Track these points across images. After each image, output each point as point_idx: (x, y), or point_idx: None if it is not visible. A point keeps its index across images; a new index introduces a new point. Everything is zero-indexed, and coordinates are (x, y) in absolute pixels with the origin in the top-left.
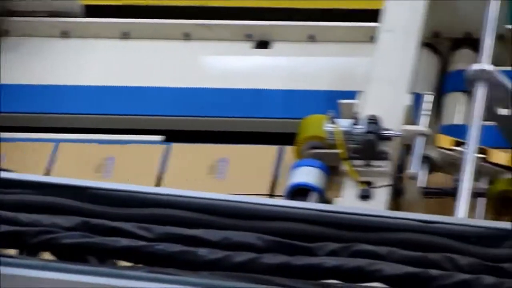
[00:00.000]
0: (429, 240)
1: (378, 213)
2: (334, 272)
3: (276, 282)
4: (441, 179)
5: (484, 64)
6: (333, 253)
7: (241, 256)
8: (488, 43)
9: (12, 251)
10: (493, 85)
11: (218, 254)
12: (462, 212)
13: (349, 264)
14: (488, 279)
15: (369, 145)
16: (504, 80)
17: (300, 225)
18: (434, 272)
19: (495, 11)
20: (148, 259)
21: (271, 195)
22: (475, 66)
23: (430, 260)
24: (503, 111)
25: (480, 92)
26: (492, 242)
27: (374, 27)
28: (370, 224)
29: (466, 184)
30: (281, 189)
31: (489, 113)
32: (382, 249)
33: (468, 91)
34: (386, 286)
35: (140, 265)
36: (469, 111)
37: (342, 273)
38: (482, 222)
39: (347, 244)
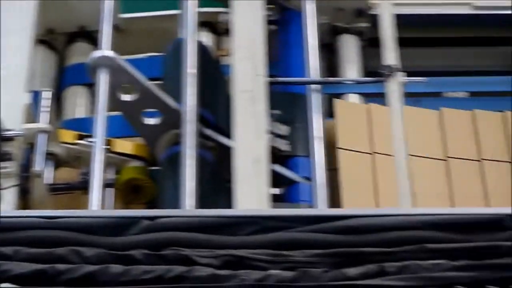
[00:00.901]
0: (54, 235)
1: (5, 213)
2: None
3: None
4: (69, 174)
5: (105, 50)
6: None
7: None
8: (106, 30)
9: None
10: (115, 71)
11: None
12: (95, 204)
13: None
14: (115, 268)
15: None
16: (126, 65)
17: None
18: (61, 266)
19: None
20: None
21: None
22: (96, 53)
23: (56, 255)
24: (126, 97)
25: (103, 79)
26: (119, 231)
27: None
28: None
29: (97, 176)
30: None
31: (113, 101)
32: (8, 249)
33: (87, 84)
34: (17, 286)
35: None
36: (90, 103)
37: None
38: (110, 212)
39: None
